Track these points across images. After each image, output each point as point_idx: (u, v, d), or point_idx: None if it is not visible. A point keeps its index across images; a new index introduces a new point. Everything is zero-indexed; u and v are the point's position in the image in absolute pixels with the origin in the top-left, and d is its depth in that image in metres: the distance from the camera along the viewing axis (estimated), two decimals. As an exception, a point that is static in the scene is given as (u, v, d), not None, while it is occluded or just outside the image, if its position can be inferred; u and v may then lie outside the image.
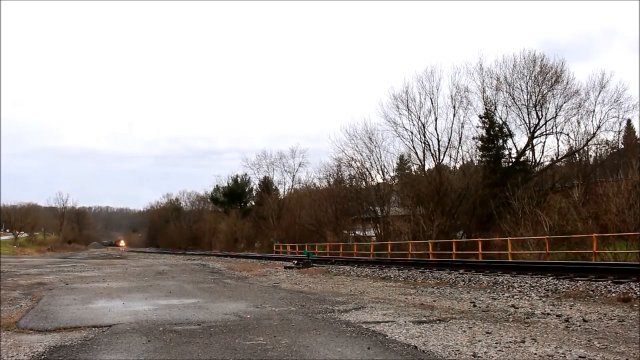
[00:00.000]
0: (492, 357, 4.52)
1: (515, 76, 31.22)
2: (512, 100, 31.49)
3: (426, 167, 34.62)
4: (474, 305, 8.03)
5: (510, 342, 5.11)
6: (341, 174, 42.22)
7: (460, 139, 32.82)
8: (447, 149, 33.16)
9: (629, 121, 33.68)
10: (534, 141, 31.58)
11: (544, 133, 31.21)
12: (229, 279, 15.06)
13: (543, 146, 31.68)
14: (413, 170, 38.47)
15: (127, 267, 21.70)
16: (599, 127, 29.17)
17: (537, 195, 26.80)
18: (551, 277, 11.19)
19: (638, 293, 8.47)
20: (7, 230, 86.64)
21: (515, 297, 9.13)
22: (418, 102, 33.31)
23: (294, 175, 56.20)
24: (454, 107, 32.43)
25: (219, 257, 34.59)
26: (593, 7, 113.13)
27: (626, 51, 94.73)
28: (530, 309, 7.55)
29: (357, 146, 37.76)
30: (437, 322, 6.47)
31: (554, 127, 30.83)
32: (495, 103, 32.14)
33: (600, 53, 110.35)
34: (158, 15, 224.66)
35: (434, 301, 8.79)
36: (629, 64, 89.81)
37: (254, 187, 65.15)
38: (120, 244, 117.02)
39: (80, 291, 11.04)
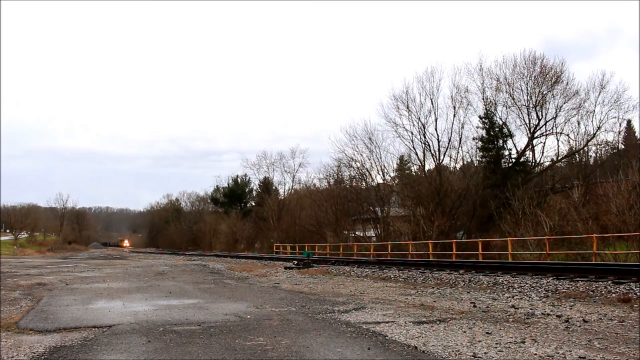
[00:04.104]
0: (492, 357, 4.53)
1: (515, 77, 31.33)
2: (512, 101, 31.58)
3: (426, 168, 34.69)
4: (474, 306, 8.03)
5: (510, 342, 5.11)
6: (341, 175, 42.26)
7: (460, 139, 32.92)
8: (447, 149, 33.24)
9: (629, 122, 33.77)
10: (534, 142, 31.67)
11: (544, 133, 31.30)
12: (229, 279, 15.05)
13: (543, 147, 31.80)
14: (413, 170, 38.53)
15: (127, 268, 21.68)
16: (599, 128, 29.26)
17: (537, 196, 26.83)
18: (551, 278, 11.19)
19: (638, 293, 8.47)
20: (7, 231, 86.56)
21: (515, 297, 9.13)
22: (418, 102, 33.37)
23: (294, 176, 56.27)
24: (454, 108, 32.50)
25: (219, 258, 34.59)
26: (597, 6, 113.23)
27: (630, 50, 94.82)
28: (531, 309, 7.55)
29: (357, 146, 37.83)
30: (437, 322, 6.47)
31: (554, 128, 30.94)
32: (495, 103, 32.22)
33: (603, 52, 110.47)
34: (157, 15, 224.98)
35: (434, 302, 8.79)
36: (630, 64, 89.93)
37: (254, 188, 65.28)
38: (124, 244, 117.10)
39: (81, 292, 11.04)
